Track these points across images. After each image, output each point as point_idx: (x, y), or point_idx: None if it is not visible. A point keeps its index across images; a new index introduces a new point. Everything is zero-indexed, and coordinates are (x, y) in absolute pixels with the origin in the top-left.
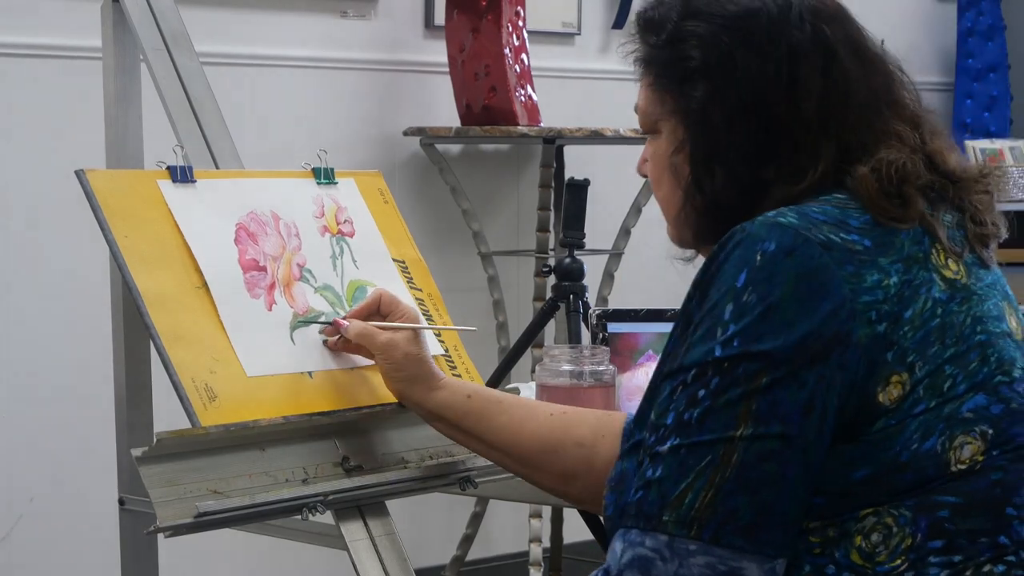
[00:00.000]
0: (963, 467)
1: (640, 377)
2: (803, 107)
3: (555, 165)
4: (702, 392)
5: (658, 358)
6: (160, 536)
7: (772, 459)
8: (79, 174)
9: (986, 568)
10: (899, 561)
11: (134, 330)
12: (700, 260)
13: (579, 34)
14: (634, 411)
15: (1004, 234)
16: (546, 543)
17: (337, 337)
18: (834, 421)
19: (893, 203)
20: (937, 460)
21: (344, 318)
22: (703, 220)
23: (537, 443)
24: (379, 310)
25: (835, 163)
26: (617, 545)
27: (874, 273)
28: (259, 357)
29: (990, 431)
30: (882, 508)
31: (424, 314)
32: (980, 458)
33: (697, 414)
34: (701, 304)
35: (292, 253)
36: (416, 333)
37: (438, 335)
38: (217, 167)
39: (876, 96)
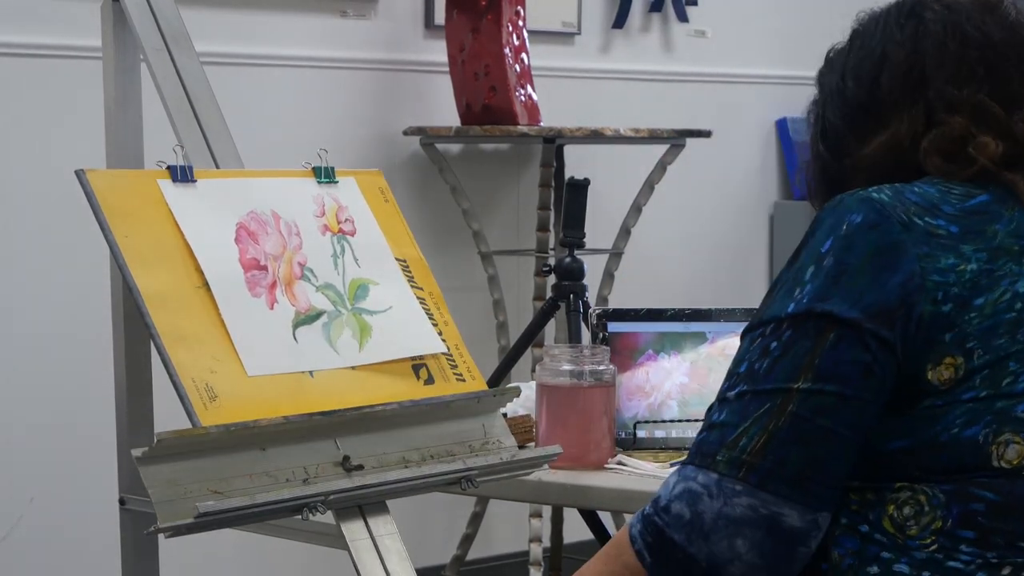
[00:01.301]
0: (1008, 466)
1: (640, 377)
2: (884, 84)
3: (555, 165)
4: (774, 344)
5: (658, 357)
6: (160, 536)
7: (826, 415)
8: (79, 174)
9: None
10: (929, 540)
11: (134, 330)
12: (709, 261)
13: (579, 34)
14: (635, 411)
15: None
16: (546, 543)
17: None
18: (890, 389)
19: (956, 167)
20: (977, 450)
21: None
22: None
23: None
24: None
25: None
26: (672, 478)
27: (951, 257)
28: (261, 356)
29: None
30: (916, 484)
31: (425, 312)
32: None
33: (766, 364)
34: (792, 264)
35: (293, 252)
36: None
37: (440, 333)
38: (217, 167)
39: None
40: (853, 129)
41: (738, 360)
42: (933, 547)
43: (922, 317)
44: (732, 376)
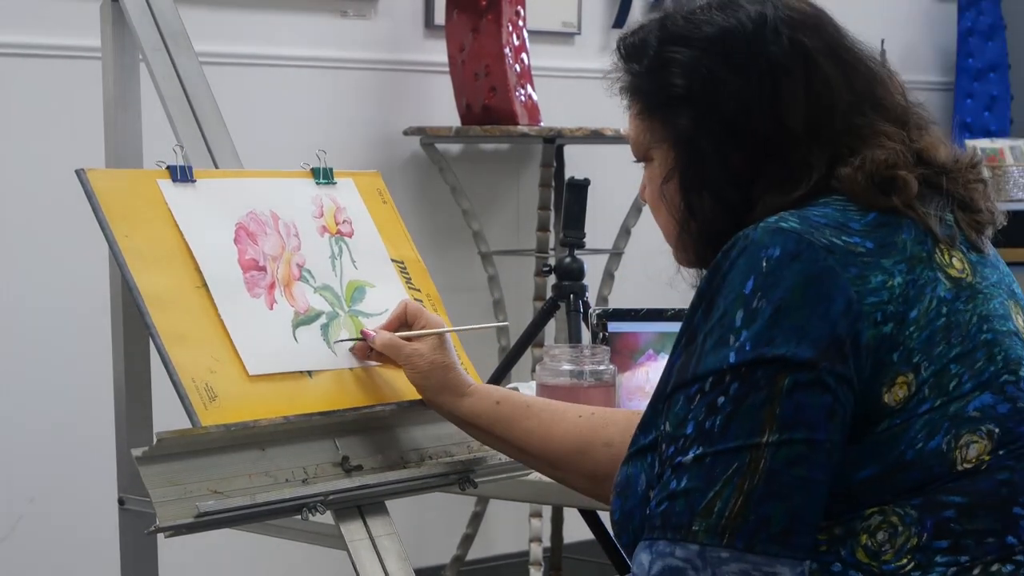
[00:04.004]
0: (969, 466)
1: (640, 377)
2: (788, 122)
3: (555, 165)
4: (722, 399)
5: (658, 357)
6: (160, 536)
7: (801, 464)
8: (79, 173)
9: (994, 567)
10: (905, 560)
11: (134, 330)
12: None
13: (579, 34)
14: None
15: (1002, 221)
16: (546, 543)
17: (368, 351)
18: (850, 422)
19: (879, 194)
20: (943, 459)
21: (373, 331)
22: (701, 244)
23: (567, 445)
24: (405, 320)
25: (827, 170)
26: (644, 557)
27: (878, 274)
28: (262, 355)
29: (996, 430)
30: (887, 507)
31: None
32: (987, 457)
33: (719, 421)
34: (708, 314)
35: (291, 253)
36: (442, 341)
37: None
38: (217, 167)
39: (860, 99)
40: (746, 174)
41: (679, 420)
42: (910, 566)
43: (868, 343)
44: (678, 439)
